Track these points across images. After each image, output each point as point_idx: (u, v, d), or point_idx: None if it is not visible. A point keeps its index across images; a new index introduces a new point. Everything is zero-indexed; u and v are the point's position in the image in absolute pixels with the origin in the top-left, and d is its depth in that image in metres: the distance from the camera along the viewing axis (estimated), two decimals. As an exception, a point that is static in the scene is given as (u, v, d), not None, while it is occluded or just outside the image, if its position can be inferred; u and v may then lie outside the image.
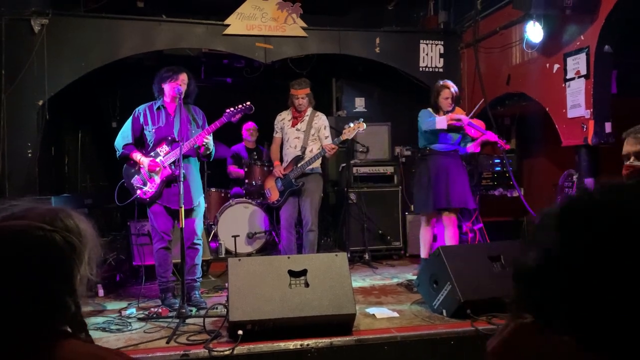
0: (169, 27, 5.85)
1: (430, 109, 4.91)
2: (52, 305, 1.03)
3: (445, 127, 4.68)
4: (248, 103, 4.20)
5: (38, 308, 1.01)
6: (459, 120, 4.70)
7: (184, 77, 4.11)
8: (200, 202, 4.25)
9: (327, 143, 4.92)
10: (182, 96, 4.06)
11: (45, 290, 1.02)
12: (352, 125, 4.91)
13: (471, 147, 4.82)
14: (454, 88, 4.84)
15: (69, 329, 1.07)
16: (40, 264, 1.02)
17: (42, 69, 5.34)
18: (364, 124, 4.92)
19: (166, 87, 4.12)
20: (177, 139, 3.98)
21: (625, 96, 5.11)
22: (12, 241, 1.01)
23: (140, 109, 4.23)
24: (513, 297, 0.72)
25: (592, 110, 4.60)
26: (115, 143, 4.23)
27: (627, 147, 2.09)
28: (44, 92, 5.37)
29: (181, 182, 3.77)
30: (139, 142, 4.23)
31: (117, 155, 4.22)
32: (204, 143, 4.05)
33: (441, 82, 4.91)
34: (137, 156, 4.13)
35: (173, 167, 4.02)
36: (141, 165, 4.11)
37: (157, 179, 4.09)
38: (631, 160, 2.02)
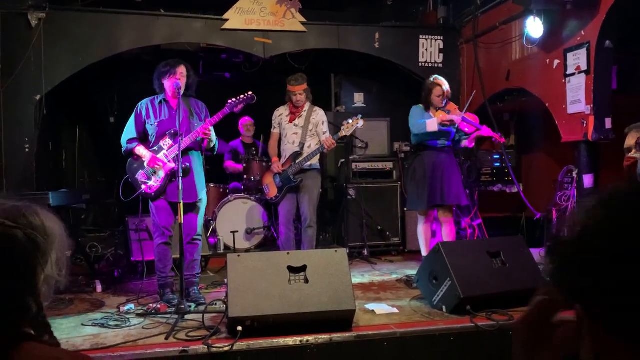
0: (167, 21, 5.82)
1: (421, 106, 4.87)
2: (11, 305, 0.99)
3: (436, 129, 4.65)
4: (250, 93, 4.18)
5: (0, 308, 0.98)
6: (451, 121, 4.66)
7: (182, 70, 4.09)
8: (203, 197, 4.23)
9: (326, 138, 4.88)
10: (182, 89, 4.04)
11: (5, 289, 0.98)
12: (350, 121, 4.89)
13: (465, 143, 4.81)
14: (445, 85, 4.79)
15: (31, 331, 1.04)
16: (1, 261, 0.98)
17: (40, 64, 5.31)
18: (362, 120, 4.90)
19: (166, 83, 4.10)
20: (180, 132, 3.96)
21: (626, 92, 5.11)
22: None
23: (142, 103, 4.22)
24: (547, 272, 0.72)
25: (592, 106, 4.59)
26: (121, 139, 4.22)
27: (630, 141, 2.10)
28: (41, 87, 5.34)
29: (180, 177, 3.74)
30: (144, 136, 4.21)
31: (122, 151, 4.21)
32: (207, 134, 4.03)
33: (432, 79, 4.83)
34: (140, 150, 4.12)
35: (176, 160, 4.00)
36: (144, 159, 4.10)
37: (162, 173, 4.07)
38: (632, 152, 2.03)
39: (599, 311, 0.63)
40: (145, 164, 4.09)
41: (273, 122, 5.21)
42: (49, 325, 1.07)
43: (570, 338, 0.69)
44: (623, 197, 0.68)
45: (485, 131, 4.69)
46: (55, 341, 1.10)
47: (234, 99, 4.14)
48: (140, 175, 4.11)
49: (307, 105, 5.09)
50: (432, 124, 4.62)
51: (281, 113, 5.15)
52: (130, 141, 4.16)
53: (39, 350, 1.02)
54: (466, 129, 4.72)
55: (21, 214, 1.03)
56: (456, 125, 4.71)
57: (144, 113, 4.17)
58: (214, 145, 4.23)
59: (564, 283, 0.68)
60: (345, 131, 4.86)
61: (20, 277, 1.00)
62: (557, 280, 0.70)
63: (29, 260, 1.01)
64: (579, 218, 0.69)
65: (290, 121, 5.06)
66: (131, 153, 4.17)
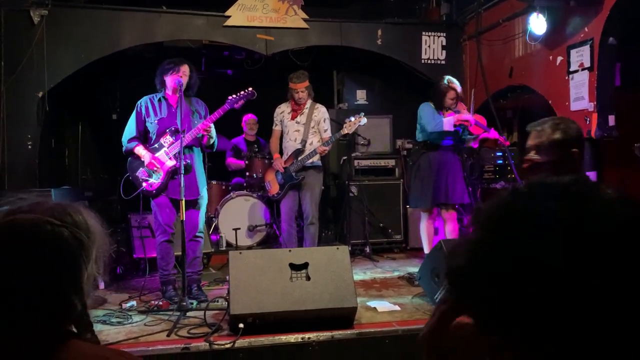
0: (169, 18, 5.81)
1: (431, 104, 4.86)
2: (59, 303, 1.00)
3: (452, 129, 4.65)
4: (250, 89, 4.18)
5: (45, 306, 0.98)
6: (467, 121, 4.67)
7: (185, 69, 4.09)
8: (204, 194, 4.24)
9: (320, 146, 4.88)
10: (184, 88, 4.04)
11: (53, 287, 0.99)
12: (352, 119, 4.89)
13: (471, 143, 4.82)
14: (459, 89, 4.79)
15: (74, 329, 1.05)
16: (48, 259, 0.98)
17: (42, 61, 5.31)
18: (365, 118, 4.90)
19: (167, 80, 4.10)
20: (180, 130, 3.96)
21: (629, 89, 5.08)
22: (19, 235, 0.98)
23: (142, 101, 4.22)
24: (446, 287, 0.71)
25: (595, 103, 4.56)
26: (122, 138, 4.22)
27: (529, 141, 2.06)
28: (43, 83, 5.34)
29: (182, 175, 3.74)
30: (144, 135, 4.21)
31: (123, 150, 4.21)
32: (207, 130, 4.03)
33: (447, 83, 4.78)
34: (140, 150, 4.12)
35: (177, 158, 4.00)
36: (143, 160, 4.10)
37: (162, 171, 4.08)
38: (531, 154, 1.99)
39: (517, 336, 0.61)
40: (145, 164, 4.09)
41: (275, 119, 5.20)
42: (91, 324, 1.08)
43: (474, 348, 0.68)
44: (492, 215, 0.66)
45: (493, 134, 4.71)
46: (96, 339, 1.11)
47: (234, 95, 4.15)
48: (141, 173, 4.11)
49: (309, 103, 5.08)
50: (449, 124, 4.62)
51: (283, 110, 5.15)
52: (130, 140, 4.16)
53: (86, 348, 1.02)
54: (475, 131, 4.73)
55: (66, 213, 1.04)
56: (469, 126, 4.72)
57: (143, 111, 4.18)
58: (214, 142, 4.23)
59: (475, 310, 0.66)
60: (347, 129, 4.86)
61: (67, 276, 1.01)
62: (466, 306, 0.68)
63: (76, 259, 1.02)
64: (465, 244, 0.67)
65: (292, 118, 5.06)
66: (131, 152, 4.17)
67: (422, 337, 0.74)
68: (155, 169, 4.06)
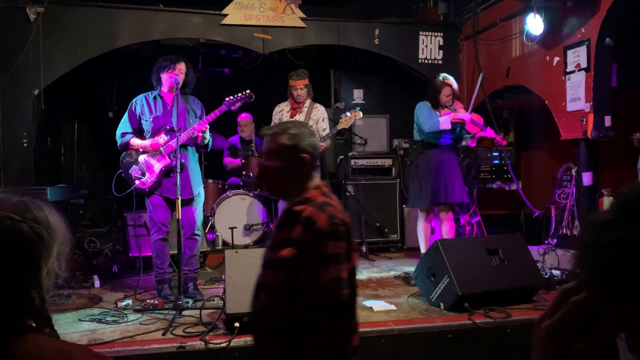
0: (166, 16, 5.79)
1: (428, 103, 4.86)
2: (17, 297, 1.01)
3: (449, 127, 4.65)
4: (247, 91, 4.17)
5: (3, 299, 0.99)
6: (462, 120, 4.67)
7: (181, 67, 4.08)
8: (200, 192, 4.23)
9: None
10: (180, 86, 4.02)
11: (11, 281, 1.00)
12: (348, 114, 4.90)
13: (467, 142, 4.83)
14: (455, 85, 4.79)
15: (33, 323, 1.06)
16: (7, 254, 1.00)
17: (38, 58, 5.29)
18: (361, 113, 4.91)
19: (164, 77, 4.09)
20: (175, 128, 3.95)
21: (625, 89, 5.09)
22: None
23: (137, 99, 4.21)
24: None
25: (592, 103, 4.57)
26: (116, 135, 4.20)
27: (262, 147, 2.06)
28: (39, 81, 5.31)
29: (178, 173, 3.73)
30: (138, 133, 4.20)
31: (118, 145, 4.20)
32: (203, 130, 4.02)
33: (442, 79, 4.79)
34: (137, 142, 4.11)
35: (172, 156, 3.99)
36: (142, 149, 4.08)
37: (157, 169, 4.06)
38: (262, 159, 2.00)
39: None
40: (141, 158, 4.07)
41: (273, 118, 5.20)
42: (50, 318, 1.09)
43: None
44: None
45: (489, 132, 4.72)
46: (55, 334, 1.13)
47: (231, 97, 4.13)
48: (133, 171, 4.10)
49: (308, 102, 5.09)
50: (445, 122, 4.62)
51: (282, 109, 5.15)
52: (124, 134, 4.15)
53: (42, 341, 1.03)
54: (472, 130, 4.73)
55: (27, 209, 1.05)
56: (464, 124, 4.72)
57: (138, 110, 4.16)
58: (208, 142, 4.21)
59: (608, 274, 0.62)
60: (343, 124, 4.87)
61: (26, 270, 1.02)
62: (599, 274, 0.64)
63: (34, 254, 1.03)
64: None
65: (291, 117, 5.06)
66: (126, 147, 4.15)
67: (546, 328, 0.69)
68: (161, 147, 4.03)
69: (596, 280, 0.65)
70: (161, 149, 4.04)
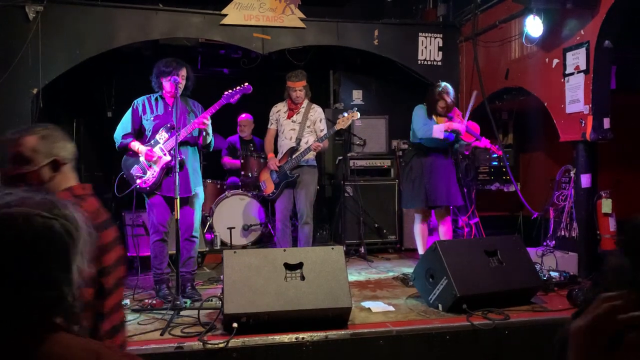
0: (165, 16, 5.79)
1: (425, 107, 4.85)
2: (49, 293, 1.00)
3: (441, 137, 4.64)
4: (246, 84, 4.19)
5: (37, 297, 0.98)
6: (457, 131, 4.66)
7: (183, 73, 4.13)
8: (198, 193, 4.23)
9: (314, 141, 4.87)
10: (181, 91, 4.05)
11: (45, 278, 0.99)
12: (346, 115, 4.91)
13: (462, 149, 4.85)
14: (450, 98, 4.73)
15: (62, 321, 1.05)
16: (41, 250, 0.99)
17: (37, 57, 5.28)
18: (358, 114, 4.91)
19: (165, 83, 4.10)
20: (175, 126, 3.96)
21: (624, 92, 5.10)
22: (11, 227, 0.98)
23: (139, 100, 4.25)
24: (616, 270, 0.66)
25: (590, 105, 4.57)
26: (115, 135, 4.21)
27: None
28: (38, 80, 5.30)
29: (176, 173, 3.73)
30: (139, 133, 4.21)
31: (117, 147, 4.20)
32: (204, 127, 4.03)
33: (441, 89, 4.76)
34: (136, 145, 4.11)
35: (172, 153, 4.00)
36: (139, 154, 4.10)
37: (157, 167, 4.07)
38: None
39: None
40: (142, 159, 4.08)
41: (270, 118, 5.20)
42: (79, 316, 1.08)
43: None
44: None
45: (484, 142, 4.69)
46: (84, 332, 1.12)
47: (229, 91, 4.18)
48: (135, 170, 4.10)
49: (306, 102, 5.09)
50: (438, 131, 4.61)
51: (279, 109, 5.15)
52: (125, 137, 4.16)
53: (71, 340, 1.02)
54: (468, 139, 4.72)
55: (54, 206, 1.05)
56: (460, 134, 4.71)
57: (140, 109, 4.19)
58: (210, 142, 4.23)
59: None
60: (341, 124, 4.87)
61: (59, 266, 1.02)
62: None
63: (66, 250, 1.03)
64: None
65: (289, 117, 5.06)
66: (126, 149, 4.16)
67: (580, 331, 0.67)
68: (154, 159, 4.04)
69: None
70: (154, 159, 4.04)
